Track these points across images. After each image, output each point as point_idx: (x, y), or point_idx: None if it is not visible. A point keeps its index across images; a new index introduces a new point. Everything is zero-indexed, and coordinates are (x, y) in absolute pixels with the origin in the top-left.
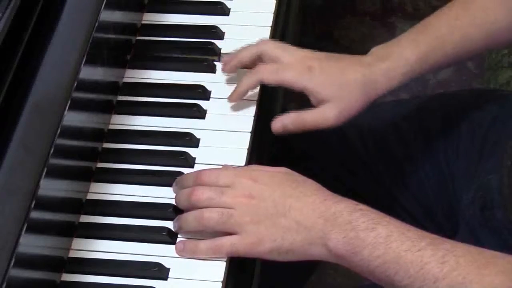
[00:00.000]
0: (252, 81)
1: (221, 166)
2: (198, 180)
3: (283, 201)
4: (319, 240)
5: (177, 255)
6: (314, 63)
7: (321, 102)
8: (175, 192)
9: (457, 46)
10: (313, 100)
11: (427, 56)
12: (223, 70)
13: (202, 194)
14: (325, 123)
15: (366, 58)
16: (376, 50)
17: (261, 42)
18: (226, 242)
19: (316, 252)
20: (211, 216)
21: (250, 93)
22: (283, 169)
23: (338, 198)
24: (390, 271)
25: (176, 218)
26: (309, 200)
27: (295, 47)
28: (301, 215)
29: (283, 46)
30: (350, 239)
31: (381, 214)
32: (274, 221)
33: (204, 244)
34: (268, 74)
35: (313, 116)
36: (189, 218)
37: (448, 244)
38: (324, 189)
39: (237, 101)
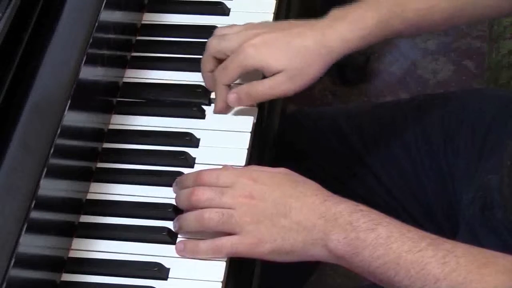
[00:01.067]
0: (220, 91)
1: (221, 166)
2: (198, 180)
3: (283, 201)
4: (319, 240)
5: (177, 255)
6: (257, 39)
7: (274, 75)
8: (175, 192)
9: (420, 15)
10: (267, 75)
11: (387, 20)
12: (216, 111)
13: (203, 195)
14: (277, 92)
15: (320, 22)
16: (334, 12)
17: (209, 41)
18: (227, 243)
19: (317, 253)
20: (211, 217)
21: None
22: (283, 170)
23: (338, 198)
24: (391, 272)
25: (176, 218)
26: (309, 201)
27: (241, 27)
28: (301, 216)
29: (226, 34)
30: (351, 239)
31: (382, 215)
32: (274, 221)
33: (204, 245)
34: (221, 75)
35: (264, 85)
36: (189, 219)
37: (448, 244)
38: (324, 189)
39: (222, 112)
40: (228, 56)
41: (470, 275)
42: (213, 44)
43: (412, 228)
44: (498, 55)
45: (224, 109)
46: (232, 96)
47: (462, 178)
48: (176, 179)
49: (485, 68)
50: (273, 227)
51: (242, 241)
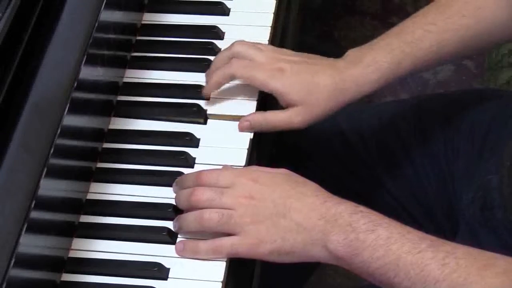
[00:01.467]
0: (223, 74)
1: (221, 167)
2: (198, 181)
3: (283, 201)
4: (319, 241)
5: (177, 255)
6: (286, 65)
7: (289, 105)
8: (175, 193)
9: (432, 52)
10: (281, 101)
11: (399, 61)
12: (206, 90)
13: (202, 195)
14: (290, 126)
15: (339, 62)
16: (350, 53)
17: (235, 44)
18: (226, 243)
19: (316, 253)
20: (211, 217)
21: (250, 93)
22: (283, 170)
23: (338, 199)
24: (390, 273)
25: (176, 218)
26: (309, 201)
27: (270, 47)
28: (301, 216)
29: (257, 46)
30: (351, 241)
31: (381, 216)
32: (274, 221)
33: (204, 245)
34: (239, 69)
35: (278, 118)
36: (189, 219)
37: (448, 246)
38: (324, 190)
39: (209, 94)
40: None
41: (470, 276)
42: (241, 48)
43: (412, 230)
44: (498, 55)
45: (210, 91)
46: (245, 124)
47: (462, 178)
48: (176, 180)
49: (485, 68)
50: (273, 227)
51: (242, 241)
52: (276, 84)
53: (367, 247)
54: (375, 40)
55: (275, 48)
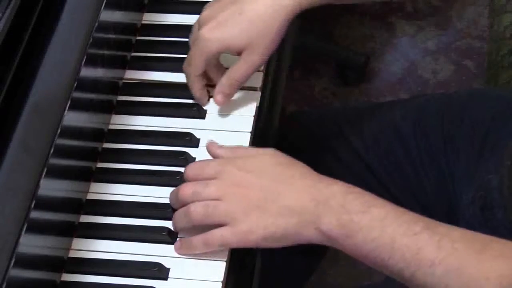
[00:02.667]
0: (191, 82)
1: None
2: (185, 176)
3: (271, 187)
4: (312, 224)
5: (177, 255)
6: (211, 23)
7: (242, 52)
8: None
9: None
10: (232, 53)
11: None
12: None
13: (188, 190)
14: (254, 69)
15: None
16: None
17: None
18: (217, 234)
19: (309, 236)
20: (196, 210)
21: (250, 93)
22: (269, 151)
23: (329, 180)
24: (384, 255)
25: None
26: (298, 184)
27: (205, 6)
28: (292, 200)
29: (193, 26)
30: (344, 222)
31: (375, 196)
32: (264, 208)
33: (196, 240)
34: (189, 69)
35: (240, 69)
36: (178, 215)
37: (443, 228)
38: (312, 171)
39: (202, 101)
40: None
41: (466, 260)
42: (190, 41)
43: (406, 211)
44: (498, 55)
45: (203, 99)
46: (218, 97)
47: (462, 178)
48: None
49: (485, 68)
50: (263, 214)
51: (233, 231)
52: (212, 47)
53: (361, 229)
54: None
55: (206, 5)
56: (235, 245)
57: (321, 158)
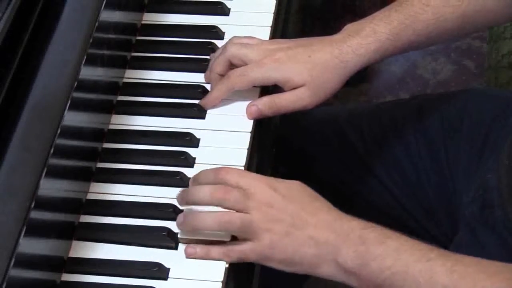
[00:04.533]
0: (222, 90)
1: (221, 166)
2: (220, 177)
3: (299, 214)
4: (329, 255)
5: (177, 255)
6: (280, 53)
7: (295, 88)
8: (189, 189)
9: (430, 25)
10: (286, 89)
11: (399, 33)
12: (207, 104)
13: (229, 195)
14: (299, 105)
15: (336, 36)
16: (348, 27)
17: (227, 44)
18: (238, 248)
19: (325, 268)
20: (232, 221)
21: (250, 93)
22: (297, 182)
23: (350, 217)
24: (399, 282)
25: (182, 215)
26: (323, 217)
27: (262, 41)
28: (315, 231)
29: (249, 44)
30: (360, 252)
31: (391, 230)
32: (289, 232)
33: (215, 250)
34: (236, 79)
35: (287, 98)
36: (208, 219)
37: (457, 255)
38: (335, 208)
39: (209, 108)
40: (244, 64)
41: (479, 282)
42: (234, 49)
43: (421, 242)
44: (498, 55)
45: (211, 106)
46: (253, 109)
47: (462, 178)
48: (193, 176)
49: (485, 68)
50: (287, 238)
51: (255, 248)
52: (276, 75)
53: (376, 257)
54: (373, 14)
55: (267, 40)
56: (252, 260)
57: (321, 158)
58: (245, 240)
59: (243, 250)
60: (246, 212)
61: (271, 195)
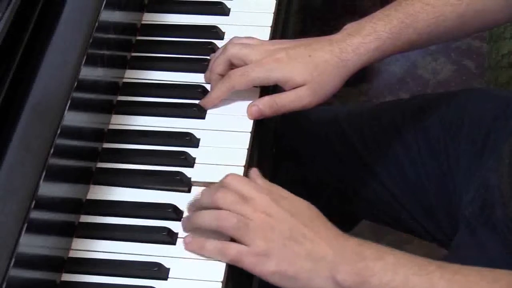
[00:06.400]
0: (223, 90)
1: (221, 167)
2: (224, 182)
3: (298, 229)
4: (326, 272)
5: (177, 255)
6: (281, 54)
7: (295, 87)
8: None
9: (430, 24)
10: (287, 89)
11: (399, 32)
12: (207, 104)
13: (226, 196)
14: (300, 104)
15: (336, 36)
16: (348, 26)
17: (228, 45)
18: (234, 248)
19: (319, 284)
20: (228, 218)
21: (250, 93)
22: (301, 200)
23: (347, 236)
24: None
25: (186, 217)
26: (324, 233)
27: (262, 41)
28: (314, 246)
29: (249, 44)
30: (359, 269)
31: (389, 247)
32: (286, 244)
33: (210, 244)
34: (237, 79)
35: (288, 98)
36: (206, 215)
37: (456, 266)
38: (335, 227)
39: (209, 107)
40: (245, 64)
41: None
42: (234, 49)
43: (419, 256)
44: (498, 55)
45: (211, 106)
46: (253, 109)
47: (463, 178)
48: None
49: (485, 68)
50: (284, 249)
51: (250, 252)
52: (276, 75)
53: (375, 274)
54: (373, 14)
55: (267, 41)
56: (245, 266)
57: (321, 158)
58: (242, 243)
59: (240, 251)
60: (246, 218)
61: (270, 205)
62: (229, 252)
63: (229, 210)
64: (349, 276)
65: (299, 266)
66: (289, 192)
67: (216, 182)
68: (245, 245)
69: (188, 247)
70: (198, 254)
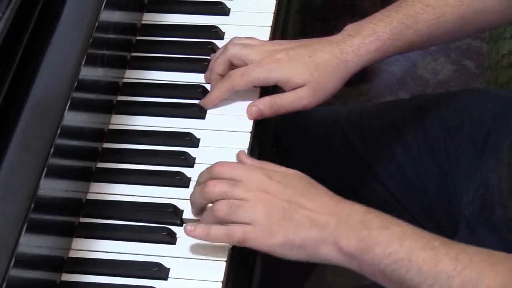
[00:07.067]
0: (223, 90)
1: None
2: (212, 172)
3: (296, 199)
4: (331, 238)
5: (177, 255)
6: (281, 54)
7: (295, 88)
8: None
9: (431, 25)
10: (287, 90)
11: (399, 32)
12: (207, 104)
13: (214, 187)
14: (300, 105)
15: (337, 37)
16: (349, 27)
17: (228, 45)
18: (239, 230)
19: (326, 251)
20: (220, 208)
21: (250, 94)
22: (295, 171)
23: (351, 202)
24: (402, 270)
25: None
26: (322, 201)
27: (263, 42)
28: (315, 214)
29: (250, 44)
30: (363, 237)
31: (393, 217)
32: (287, 215)
33: (216, 229)
34: (237, 79)
35: (288, 98)
36: (204, 215)
37: (461, 245)
38: (335, 194)
39: (210, 107)
40: (245, 64)
41: (483, 271)
42: (234, 50)
43: (424, 230)
44: (498, 55)
45: (211, 106)
46: (253, 109)
47: (463, 178)
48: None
49: (485, 68)
50: (286, 221)
51: (254, 230)
52: (276, 75)
53: (379, 243)
54: (374, 14)
55: (267, 41)
56: (253, 244)
57: (321, 158)
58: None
59: (245, 231)
60: (240, 200)
61: (265, 182)
62: (235, 234)
63: (223, 199)
64: (353, 243)
65: (304, 234)
66: (281, 166)
67: (204, 171)
68: (249, 224)
69: (192, 233)
70: (192, 253)
